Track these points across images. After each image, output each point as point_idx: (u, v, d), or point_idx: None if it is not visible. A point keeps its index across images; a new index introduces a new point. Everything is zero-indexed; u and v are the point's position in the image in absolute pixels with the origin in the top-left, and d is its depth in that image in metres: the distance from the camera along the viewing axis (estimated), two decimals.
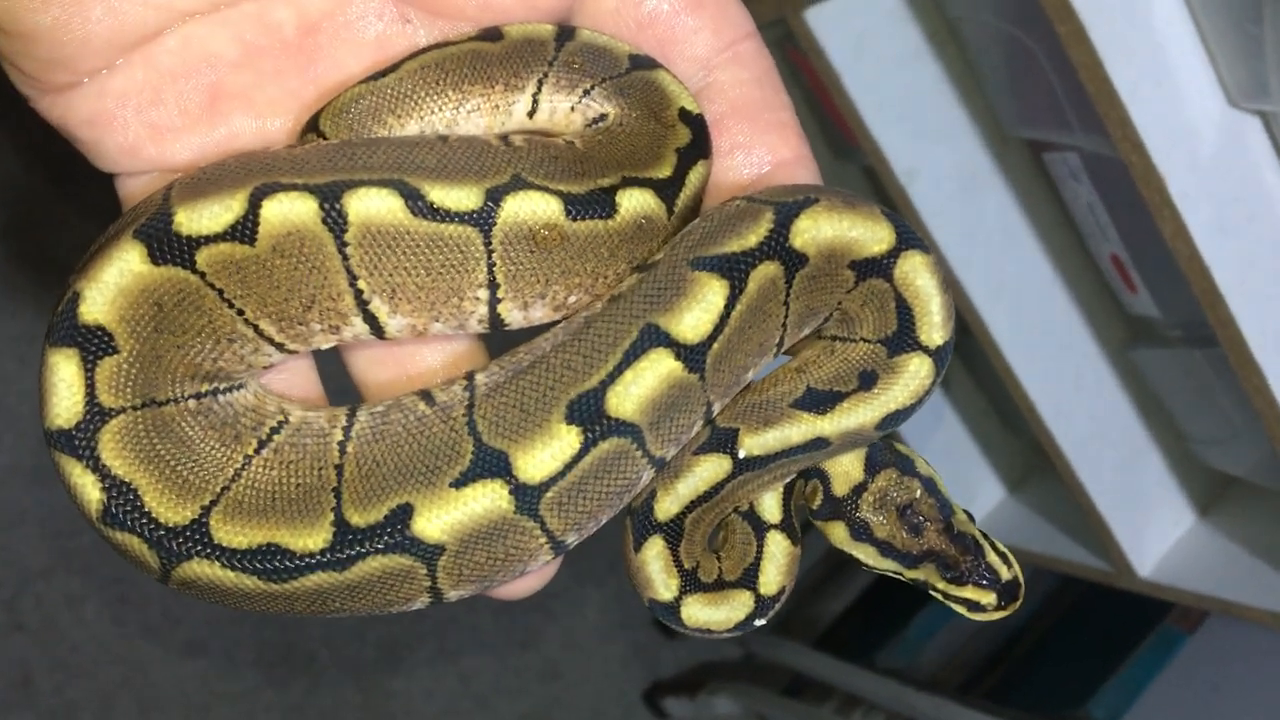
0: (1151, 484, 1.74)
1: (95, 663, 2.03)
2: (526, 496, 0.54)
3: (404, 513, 0.53)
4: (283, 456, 0.55)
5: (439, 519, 0.53)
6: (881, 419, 0.59)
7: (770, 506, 0.64)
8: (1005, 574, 0.63)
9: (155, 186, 0.56)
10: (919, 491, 0.63)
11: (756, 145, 0.60)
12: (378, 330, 0.56)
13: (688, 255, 0.55)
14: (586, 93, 0.59)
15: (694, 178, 0.57)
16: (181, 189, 0.54)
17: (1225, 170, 1.29)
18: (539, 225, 0.54)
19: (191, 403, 0.55)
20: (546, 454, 0.54)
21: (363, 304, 0.55)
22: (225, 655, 2.14)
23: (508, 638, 2.40)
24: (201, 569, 0.54)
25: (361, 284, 0.54)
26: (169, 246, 0.52)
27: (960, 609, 0.63)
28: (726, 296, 0.55)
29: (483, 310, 0.56)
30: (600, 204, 0.55)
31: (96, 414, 0.53)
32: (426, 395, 0.56)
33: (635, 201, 0.56)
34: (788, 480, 0.64)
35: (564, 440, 0.54)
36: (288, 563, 0.53)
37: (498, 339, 0.59)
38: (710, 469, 0.60)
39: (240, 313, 0.54)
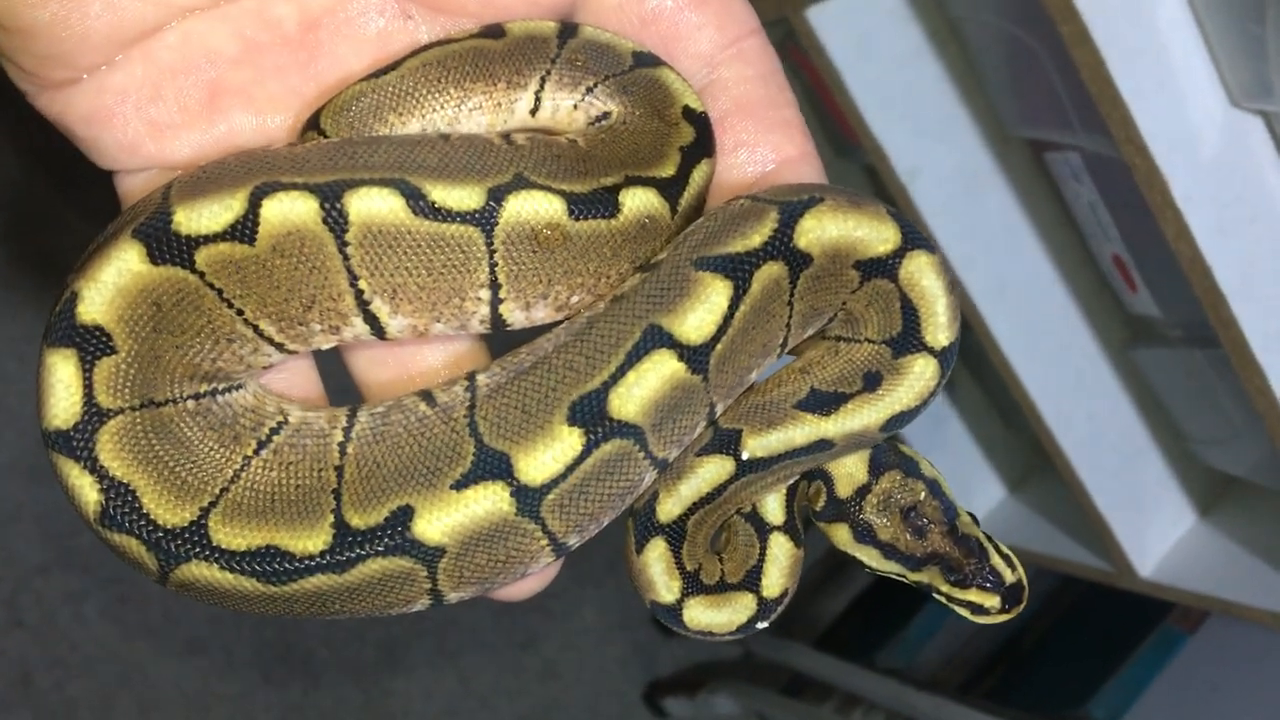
0: (1152, 484, 1.74)
1: (94, 661, 2.03)
2: (528, 498, 0.53)
3: (404, 514, 0.53)
4: (282, 457, 0.55)
5: (440, 521, 0.53)
6: (886, 420, 0.59)
7: (773, 508, 0.64)
8: (1009, 577, 0.62)
9: (154, 184, 0.56)
10: (923, 494, 0.62)
11: (760, 143, 0.59)
12: (378, 331, 0.56)
13: (691, 255, 0.55)
14: (589, 90, 0.58)
15: (698, 176, 0.57)
16: (181, 188, 0.53)
17: (1228, 171, 1.29)
18: (541, 225, 0.54)
19: (190, 403, 0.55)
20: (548, 455, 0.53)
21: (363, 304, 0.55)
22: (225, 654, 2.14)
23: (507, 638, 2.40)
24: (200, 571, 0.53)
25: (362, 284, 0.54)
26: (168, 246, 0.52)
27: (964, 612, 0.63)
28: (730, 297, 0.55)
29: (484, 310, 0.56)
30: (603, 203, 0.55)
31: (94, 415, 0.53)
32: (427, 396, 0.56)
33: (638, 201, 0.55)
34: (791, 482, 0.64)
35: (566, 442, 0.53)
36: (287, 565, 0.53)
37: (499, 339, 0.59)
38: (713, 470, 0.59)
39: (240, 313, 0.54)
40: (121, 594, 2.04)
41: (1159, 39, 1.24)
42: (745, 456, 0.59)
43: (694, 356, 0.54)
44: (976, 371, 2.01)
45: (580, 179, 0.55)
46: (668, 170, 0.56)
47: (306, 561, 0.53)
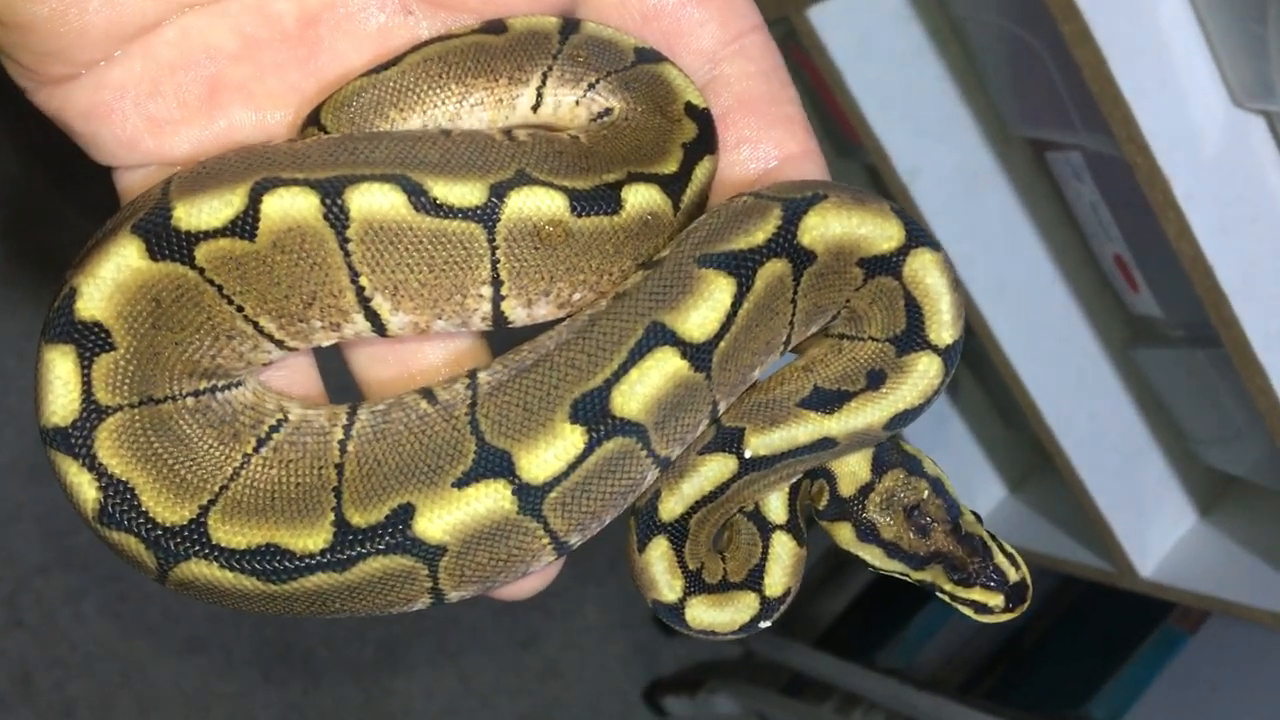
0: (1153, 484, 1.74)
1: (94, 660, 2.02)
2: (529, 497, 0.53)
3: (405, 513, 0.53)
4: (282, 455, 0.55)
5: (441, 519, 0.53)
6: (889, 419, 0.58)
7: (776, 507, 0.63)
8: (1013, 575, 0.62)
9: (154, 180, 0.55)
10: (926, 492, 0.62)
11: (763, 140, 0.59)
12: (379, 328, 0.55)
13: (694, 252, 0.55)
14: (591, 86, 0.58)
15: (700, 173, 0.57)
16: (180, 183, 0.53)
17: (1229, 170, 1.28)
18: (543, 221, 0.53)
19: (190, 400, 0.55)
20: (550, 454, 0.53)
21: (364, 301, 0.54)
22: (224, 653, 2.14)
23: (508, 637, 2.40)
24: (200, 569, 0.53)
25: (363, 281, 0.54)
26: (168, 242, 0.52)
27: (967, 611, 0.63)
28: (733, 294, 0.54)
29: (486, 308, 0.55)
30: (605, 200, 0.54)
31: (93, 412, 0.52)
32: (428, 393, 0.56)
33: (641, 197, 0.55)
34: (794, 480, 0.63)
35: (568, 440, 0.53)
36: (287, 563, 0.53)
37: (501, 337, 0.59)
38: (716, 469, 0.59)
39: (240, 309, 0.54)
40: (121, 592, 2.03)
41: (1161, 38, 1.23)
42: (748, 455, 0.59)
43: (697, 354, 0.54)
44: (977, 371, 2.01)
45: (582, 175, 0.54)
46: (670, 167, 0.56)
47: (307, 560, 0.53)
